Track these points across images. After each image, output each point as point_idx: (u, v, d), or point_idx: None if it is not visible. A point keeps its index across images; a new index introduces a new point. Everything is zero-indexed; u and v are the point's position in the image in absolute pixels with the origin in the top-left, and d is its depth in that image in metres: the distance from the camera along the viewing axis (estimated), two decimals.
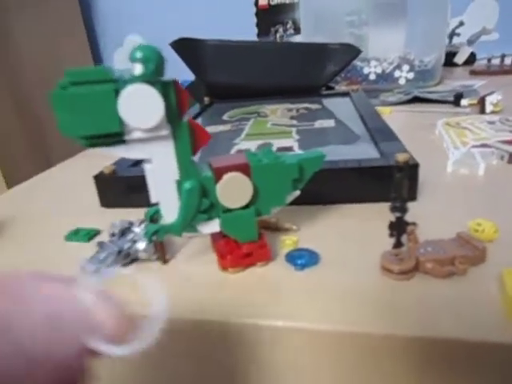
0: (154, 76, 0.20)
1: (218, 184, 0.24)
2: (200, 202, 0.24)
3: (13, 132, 1.26)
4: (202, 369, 0.23)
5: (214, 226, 0.25)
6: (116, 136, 0.21)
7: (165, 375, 0.24)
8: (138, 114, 0.20)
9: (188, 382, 0.24)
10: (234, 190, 0.24)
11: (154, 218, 0.25)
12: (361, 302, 0.22)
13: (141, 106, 0.20)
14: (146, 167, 0.23)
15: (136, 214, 0.30)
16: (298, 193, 0.26)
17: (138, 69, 0.20)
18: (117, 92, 0.20)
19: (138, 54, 0.20)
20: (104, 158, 0.42)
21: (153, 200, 0.23)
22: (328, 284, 0.23)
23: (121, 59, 1.86)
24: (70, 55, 1.43)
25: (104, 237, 0.30)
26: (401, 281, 0.23)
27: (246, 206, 0.25)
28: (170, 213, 0.24)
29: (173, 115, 0.21)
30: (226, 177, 0.24)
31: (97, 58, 1.76)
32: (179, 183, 0.23)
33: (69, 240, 0.32)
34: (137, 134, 0.21)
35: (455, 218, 0.28)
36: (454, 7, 0.93)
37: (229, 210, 0.24)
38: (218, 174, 0.24)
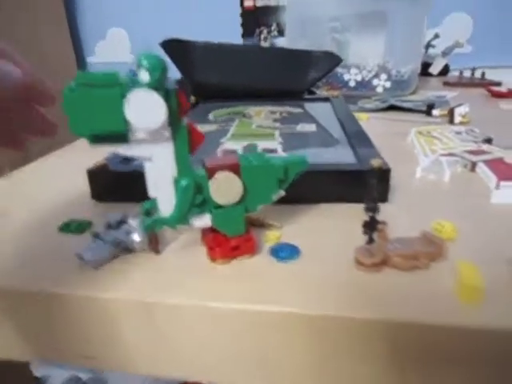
0: (158, 83, 0.22)
1: (210, 181, 0.26)
2: (194, 198, 0.26)
3: None
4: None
5: (205, 220, 0.27)
6: (121, 136, 0.23)
7: None
8: (142, 117, 0.22)
9: None
10: (225, 188, 0.26)
11: (149, 211, 0.28)
12: (336, 290, 0.24)
13: (145, 110, 0.22)
14: (146, 165, 0.25)
15: (126, 209, 0.31)
16: (282, 193, 0.29)
17: (144, 76, 0.22)
18: (124, 96, 0.22)
19: (145, 63, 0.22)
20: (89, 152, 0.43)
21: (151, 194, 0.25)
22: (307, 274, 0.26)
23: (103, 52, 1.83)
24: (51, 45, 1.41)
25: (96, 228, 0.32)
26: (371, 273, 0.26)
27: (236, 203, 0.27)
28: (167, 207, 0.26)
29: (173, 119, 0.23)
30: (218, 175, 0.26)
31: (78, 49, 1.74)
32: (176, 180, 0.25)
33: (61, 231, 0.33)
34: (140, 135, 0.23)
35: (421, 219, 0.32)
36: (430, 19, 0.98)
37: (220, 207, 0.27)
38: (211, 172, 0.26)
